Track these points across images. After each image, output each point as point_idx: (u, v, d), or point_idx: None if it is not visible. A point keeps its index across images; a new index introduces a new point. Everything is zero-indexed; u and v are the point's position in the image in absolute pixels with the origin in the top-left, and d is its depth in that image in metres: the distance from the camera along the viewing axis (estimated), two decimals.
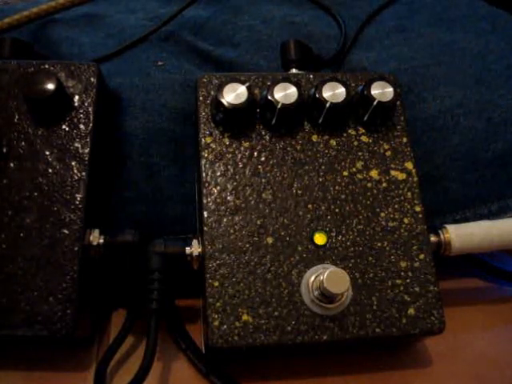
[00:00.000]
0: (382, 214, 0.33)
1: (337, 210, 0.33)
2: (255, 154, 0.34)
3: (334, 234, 0.32)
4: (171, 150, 0.39)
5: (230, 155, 0.34)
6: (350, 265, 0.32)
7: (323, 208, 0.33)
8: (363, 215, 0.33)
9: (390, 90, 0.34)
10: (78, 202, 0.32)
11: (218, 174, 0.33)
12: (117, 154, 0.38)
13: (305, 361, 0.35)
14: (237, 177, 0.33)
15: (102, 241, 0.32)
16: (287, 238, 0.32)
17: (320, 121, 0.35)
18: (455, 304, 0.39)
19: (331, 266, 0.31)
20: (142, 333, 0.35)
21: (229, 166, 0.33)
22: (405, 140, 0.36)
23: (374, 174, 0.34)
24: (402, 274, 0.32)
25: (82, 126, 0.34)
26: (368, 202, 0.33)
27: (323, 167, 0.34)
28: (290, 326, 0.30)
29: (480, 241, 0.34)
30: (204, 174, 0.33)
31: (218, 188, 0.33)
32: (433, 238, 0.34)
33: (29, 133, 0.33)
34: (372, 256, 0.32)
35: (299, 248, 0.32)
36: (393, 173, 0.35)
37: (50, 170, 0.33)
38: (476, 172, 0.40)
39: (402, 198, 0.34)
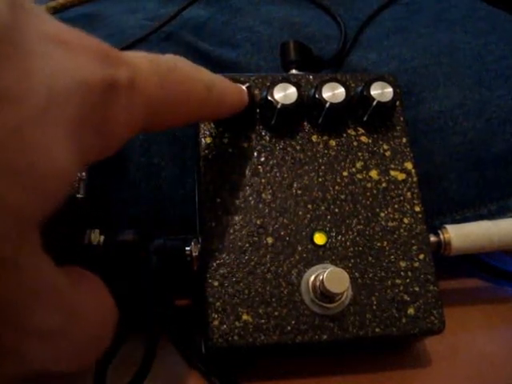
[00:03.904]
0: (382, 214, 0.33)
1: (336, 210, 0.33)
2: (255, 154, 0.34)
3: (333, 234, 0.32)
4: (171, 150, 0.39)
5: (230, 155, 0.34)
6: (350, 265, 0.32)
7: (323, 208, 0.33)
8: (363, 215, 0.33)
9: (390, 90, 0.34)
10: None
11: (218, 174, 0.33)
12: (117, 154, 0.38)
13: (305, 361, 0.35)
14: (236, 177, 0.33)
15: (101, 241, 0.32)
16: (287, 238, 0.32)
17: (320, 121, 0.35)
18: (455, 304, 0.38)
19: (331, 265, 0.31)
20: (142, 333, 0.34)
21: (229, 166, 0.33)
22: (404, 140, 0.36)
23: (373, 174, 0.34)
24: (402, 273, 0.32)
25: None
26: (368, 202, 0.34)
27: (323, 167, 0.34)
28: (290, 326, 0.30)
29: (480, 241, 0.34)
30: (204, 174, 0.33)
31: (218, 188, 0.33)
32: (433, 238, 0.34)
33: None
34: (372, 256, 0.32)
35: (299, 248, 0.32)
36: (392, 173, 0.35)
37: None
38: (476, 172, 0.40)
39: (402, 198, 0.34)
